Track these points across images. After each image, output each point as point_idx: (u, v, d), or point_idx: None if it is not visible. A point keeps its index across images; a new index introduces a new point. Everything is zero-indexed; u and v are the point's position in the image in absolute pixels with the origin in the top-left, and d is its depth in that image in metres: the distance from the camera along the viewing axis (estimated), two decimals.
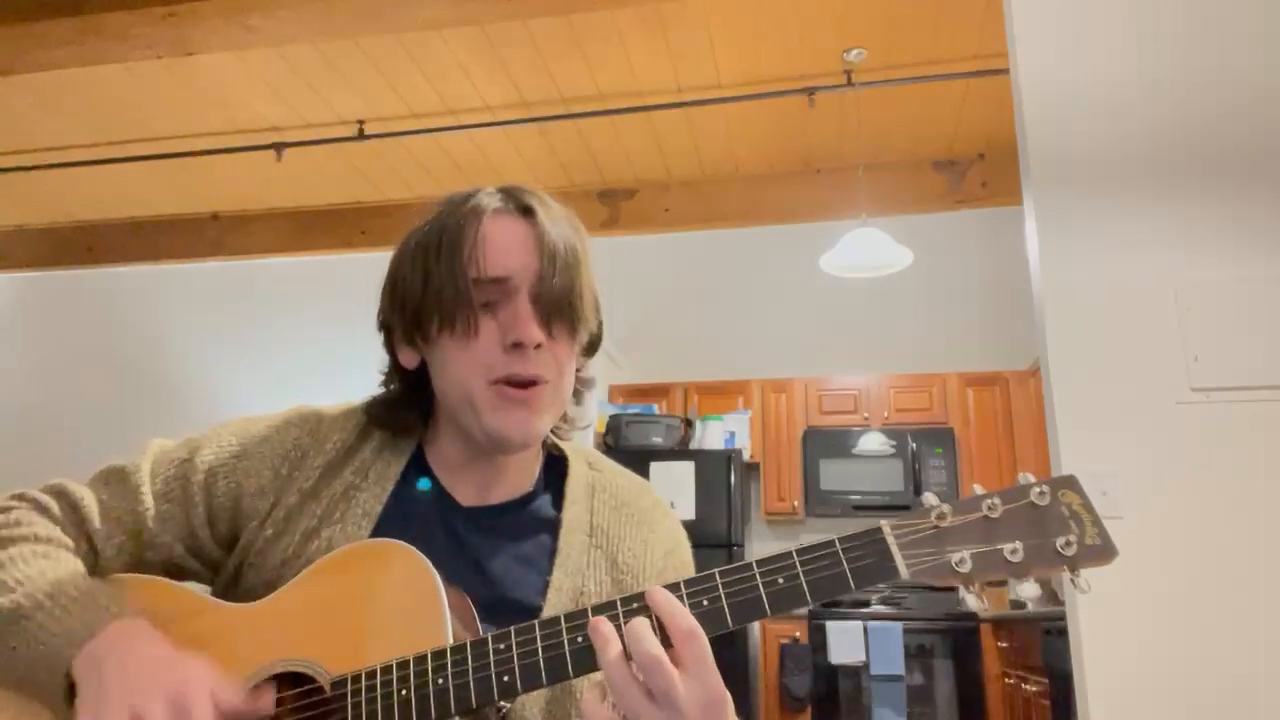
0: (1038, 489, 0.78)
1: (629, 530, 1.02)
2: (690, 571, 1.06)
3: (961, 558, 0.76)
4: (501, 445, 0.96)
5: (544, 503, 1.03)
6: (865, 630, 4.87)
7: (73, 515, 0.95)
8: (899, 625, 4.88)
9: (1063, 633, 3.20)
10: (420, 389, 1.01)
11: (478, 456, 0.99)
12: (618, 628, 0.76)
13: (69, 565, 0.89)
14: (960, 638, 4.90)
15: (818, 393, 5.71)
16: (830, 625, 4.91)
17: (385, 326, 1.02)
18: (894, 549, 0.77)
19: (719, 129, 4.26)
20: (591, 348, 1.03)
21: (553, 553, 0.98)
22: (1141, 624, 1.98)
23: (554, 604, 0.94)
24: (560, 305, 0.94)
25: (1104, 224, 2.20)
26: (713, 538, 4.89)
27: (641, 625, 0.74)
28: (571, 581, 0.96)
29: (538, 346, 0.93)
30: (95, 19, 3.10)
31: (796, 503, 5.58)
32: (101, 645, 0.81)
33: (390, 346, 1.02)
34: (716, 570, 0.79)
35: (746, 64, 3.77)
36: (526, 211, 0.96)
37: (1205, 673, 1.95)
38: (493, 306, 0.93)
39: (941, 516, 0.78)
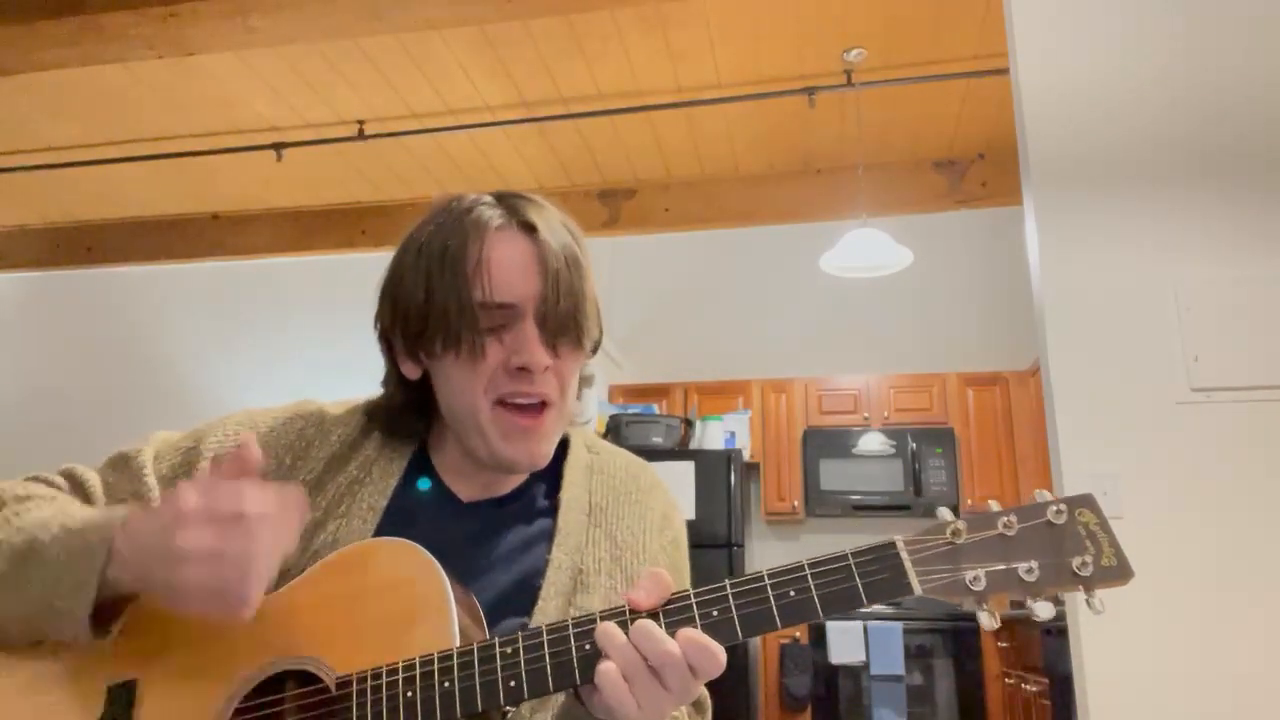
0: (1054, 507, 0.76)
1: (627, 509, 1.03)
2: (681, 548, 1.08)
3: (976, 576, 0.75)
4: (508, 469, 0.98)
5: (543, 487, 1.04)
6: (865, 630, 4.87)
7: (80, 493, 0.97)
8: (899, 625, 4.88)
9: (1063, 633, 3.21)
10: (423, 396, 1.01)
11: (483, 465, 1.00)
12: (623, 626, 0.76)
13: (79, 508, 0.91)
14: (960, 638, 4.90)
15: (818, 393, 5.71)
16: (830, 625, 4.91)
17: (385, 338, 1.00)
18: (908, 565, 0.76)
19: (719, 129, 4.27)
20: (593, 349, 1.03)
21: (552, 533, 0.99)
22: (1141, 624, 1.98)
23: (554, 582, 0.95)
24: (565, 325, 0.94)
25: (1104, 224, 2.20)
26: (713, 538, 4.89)
27: (650, 625, 0.75)
28: (570, 560, 0.97)
29: (545, 369, 0.94)
30: (95, 19, 3.10)
31: (796, 503, 5.58)
32: (126, 534, 0.80)
33: (391, 356, 1.01)
34: (727, 581, 0.78)
35: (746, 64, 3.77)
36: (529, 228, 0.95)
37: (1205, 673, 1.95)
38: (498, 330, 0.93)
39: (956, 533, 0.76)
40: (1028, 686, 4.19)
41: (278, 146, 4.32)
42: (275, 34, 3.14)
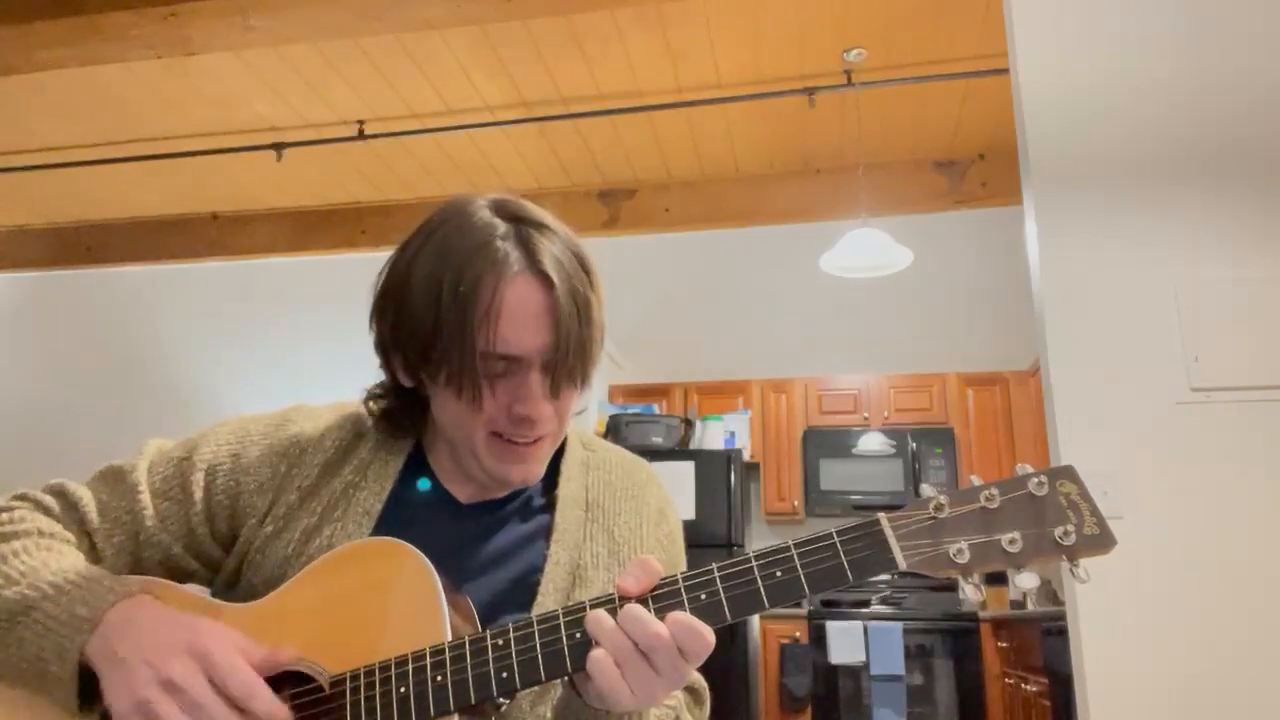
0: (1035, 479, 0.77)
1: (624, 505, 1.04)
2: (677, 542, 1.08)
3: (959, 548, 0.76)
4: (500, 486, 0.99)
5: (541, 484, 1.04)
6: (865, 630, 4.87)
7: (73, 514, 0.95)
8: (899, 625, 4.88)
9: (1063, 633, 3.21)
10: (417, 398, 1.00)
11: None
12: (613, 613, 0.77)
13: (71, 555, 0.90)
14: (960, 638, 4.90)
15: (818, 393, 5.71)
16: (830, 625, 4.91)
17: (382, 346, 0.98)
18: (891, 540, 0.77)
19: (719, 129, 4.27)
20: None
21: (550, 530, 0.99)
22: (1141, 624, 1.98)
23: (552, 578, 0.95)
24: (571, 375, 0.93)
25: (1104, 224, 2.20)
26: (713, 538, 4.89)
27: (639, 610, 0.76)
28: (569, 555, 0.97)
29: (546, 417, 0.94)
30: (95, 19, 3.10)
31: (796, 503, 5.58)
32: (111, 627, 0.81)
33: (387, 365, 1.00)
34: (714, 564, 0.79)
35: (746, 64, 3.77)
36: (544, 278, 0.91)
37: (1205, 673, 1.95)
38: (501, 375, 0.92)
39: (939, 508, 0.77)
40: (1028, 686, 4.19)
41: (278, 146, 4.32)
42: (275, 33, 3.14)
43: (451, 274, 0.90)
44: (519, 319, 0.90)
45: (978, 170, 4.47)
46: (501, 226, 0.93)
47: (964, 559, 0.76)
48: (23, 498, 0.96)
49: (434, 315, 0.90)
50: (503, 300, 0.89)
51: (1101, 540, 0.76)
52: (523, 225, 0.94)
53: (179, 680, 0.75)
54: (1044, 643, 3.89)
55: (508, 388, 0.92)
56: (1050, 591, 4.84)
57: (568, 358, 0.91)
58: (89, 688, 0.81)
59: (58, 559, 0.88)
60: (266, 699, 0.77)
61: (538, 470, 0.98)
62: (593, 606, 0.78)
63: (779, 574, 0.77)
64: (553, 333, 0.90)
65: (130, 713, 0.76)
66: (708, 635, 0.75)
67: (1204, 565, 1.99)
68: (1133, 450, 2.06)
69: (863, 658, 4.83)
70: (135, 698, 0.75)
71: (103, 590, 0.84)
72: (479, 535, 0.98)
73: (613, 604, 0.78)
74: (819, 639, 4.95)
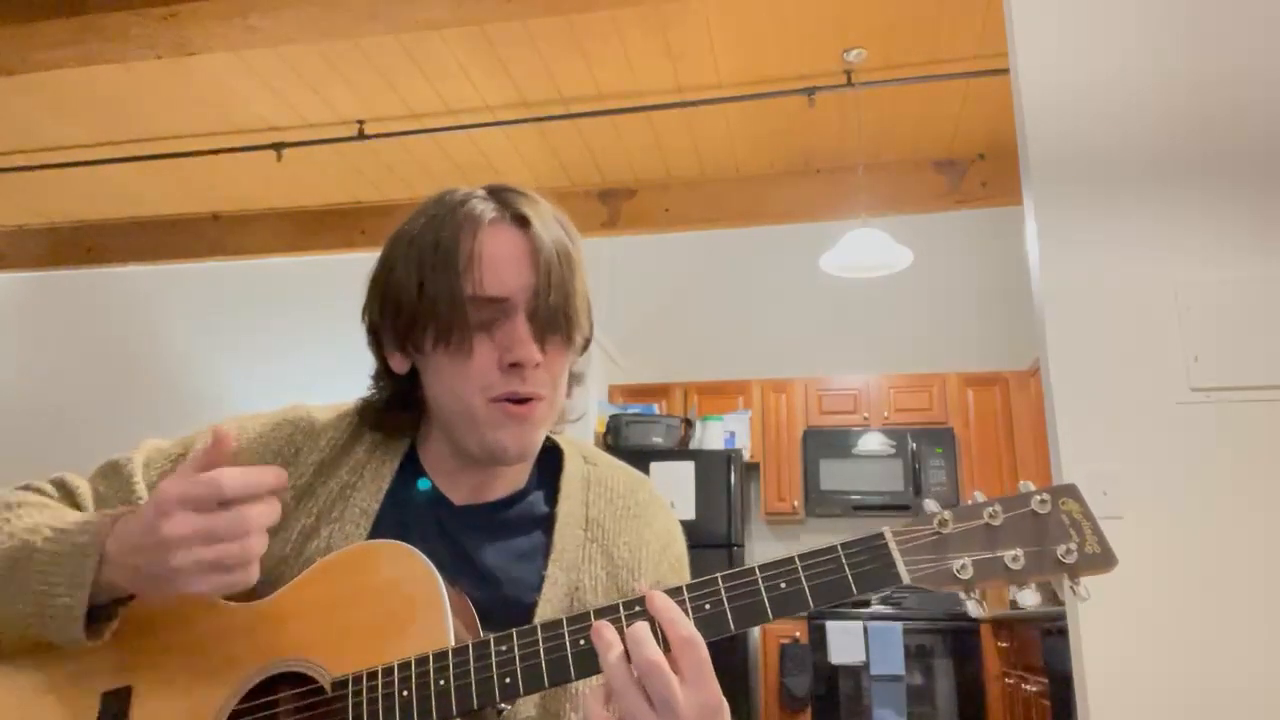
0: (1038, 497, 0.78)
1: (625, 525, 1.02)
2: (685, 565, 1.07)
3: (963, 564, 0.77)
4: (497, 459, 0.96)
5: (539, 498, 1.03)
6: (865, 630, 4.87)
7: (70, 501, 0.97)
8: (899, 625, 4.88)
9: (1063, 633, 3.21)
10: (411, 391, 1.00)
11: (471, 460, 0.99)
12: (619, 630, 0.76)
13: (69, 511, 0.92)
14: (960, 638, 4.90)
15: (818, 393, 5.72)
16: (830, 625, 4.91)
17: (373, 330, 1.00)
18: (896, 555, 0.77)
19: (719, 129, 4.27)
20: (583, 346, 1.02)
21: (548, 548, 0.98)
22: (1141, 624, 1.98)
23: (549, 599, 0.94)
24: (556, 321, 0.93)
25: (1104, 224, 2.20)
26: (713, 538, 4.89)
27: (642, 630, 0.75)
28: (567, 577, 0.96)
29: (536, 365, 0.93)
30: (95, 19, 3.10)
31: (796, 503, 5.58)
32: (114, 554, 0.80)
33: (379, 350, 1.00)
34: (719, 575, 0.79)
35: (746, 64, 3.77)
36: (522, 221, 0.94)
37: (1205, 673, 1.95)
38: (489, 324, 0.92)
39: (943, 523, 0.78)
40: (1028, 686, 4.19)
41: (278, 146, 4.32)
42: (275, 34, 3.14)
43: (431, 236, 0.94)
44: (500, 260, 0.92)
45: (978, 170, 4.47)
46: (480, 191, 0.98)
47: (967, 575, 0.77)
48: (26, 487, 0.98)
49: (417, 277, 0.93)
50: (483, 245, 0.93)
51: (1103, 559, 0.77)
52: (501, 190, 0.98)
53: (179, 531, 0.76)
54: (1044, 643, 3.89)
55: (496, 337, 0.92)
56: (1050, 591, 4.84)
57: (550, 297, 0.92)
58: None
59: (54, 512, 0.89)
60: (235, 475, 0.78)
61: (535, 439, 0.96)
62: (597, 615, 0.78)
63: (783, 585, 0.77)
64: (534, 272, 0.93)
65: (184, 572, 0.76)
66: (701, 647, 0.75)
67: (1204, 565, 1.99)
68: (1133, 450, 2.06)
69: (863, 658, 4.84)
70: (170, 567, 0.76)
71: (100, 519, 0.84)
72: (474, 540, 0.97)
73: (617, 614, 0.78)
74: (819, 639, 4.95)
